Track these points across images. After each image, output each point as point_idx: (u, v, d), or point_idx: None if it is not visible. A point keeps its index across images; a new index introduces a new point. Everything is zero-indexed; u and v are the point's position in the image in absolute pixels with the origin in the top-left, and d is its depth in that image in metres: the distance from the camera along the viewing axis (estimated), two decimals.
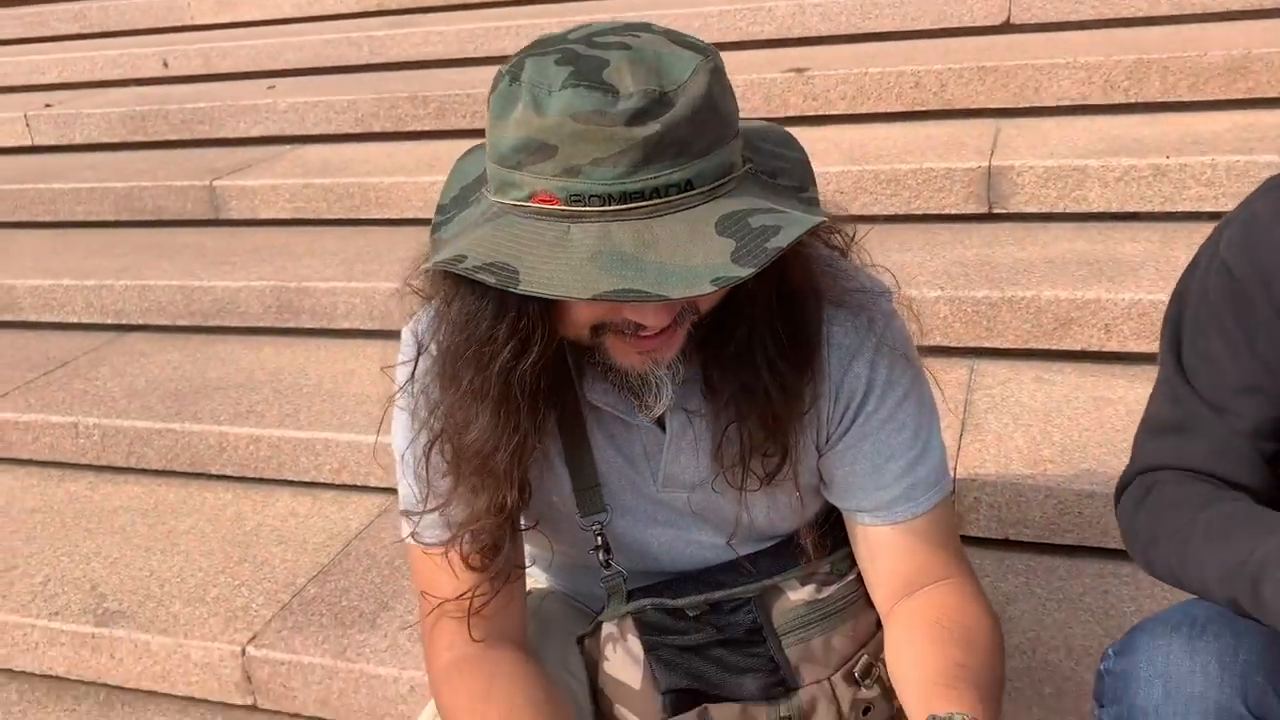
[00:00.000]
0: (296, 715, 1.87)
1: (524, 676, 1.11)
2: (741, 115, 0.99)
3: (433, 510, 1.11)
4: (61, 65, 4.69)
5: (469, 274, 0.89)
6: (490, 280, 0.88)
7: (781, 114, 3.15)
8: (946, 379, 2.21)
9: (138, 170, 3.67)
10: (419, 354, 1.10)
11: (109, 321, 3.05)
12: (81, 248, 3.38)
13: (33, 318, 3.13)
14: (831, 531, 1.23)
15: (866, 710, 1.22)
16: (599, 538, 1.18)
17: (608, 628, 1.20)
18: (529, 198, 0.90)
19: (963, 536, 1.91)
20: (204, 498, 2.38)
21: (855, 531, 1.19)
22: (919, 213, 2.69)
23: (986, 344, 2.27)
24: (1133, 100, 2.90)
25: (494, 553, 1.12)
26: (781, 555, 1.23)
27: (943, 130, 2.94)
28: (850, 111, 3.11)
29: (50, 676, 2.04)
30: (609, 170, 0.87)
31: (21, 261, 3.32)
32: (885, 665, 1.20)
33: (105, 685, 2.00)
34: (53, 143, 4.15)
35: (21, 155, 4.16)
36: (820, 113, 3.14)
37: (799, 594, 1.20)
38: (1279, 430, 1.08)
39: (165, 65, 4.48)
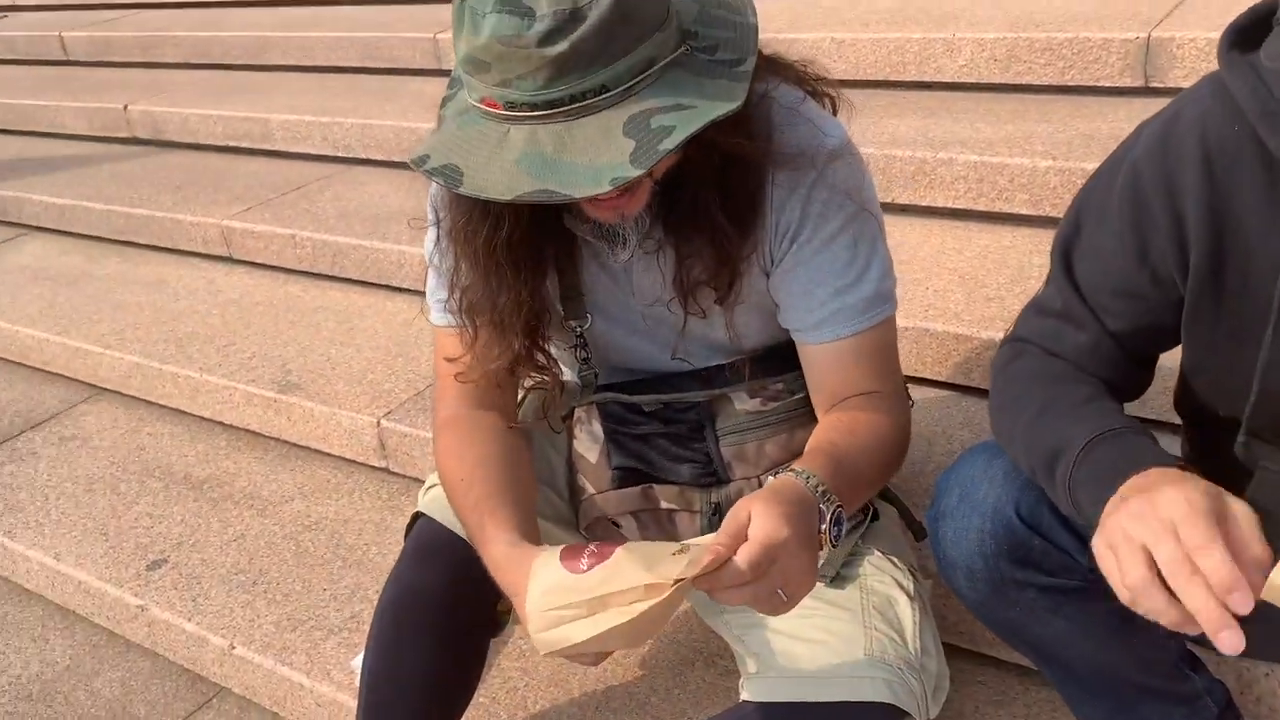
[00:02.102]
0: (418, 480, 2.27)
1: (500, 433, 1.39)
2: None
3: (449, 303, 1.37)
4: None
5: (427, 176, 1.11)
6: (441, 182, 1.09)
7: None
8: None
9: (381, 23, 4.10)
10: (438, 220, 1.35)
11: (339, 154, 3.53)
12: (327, 90, 3.88)
13: (281, 148, 3.66)
14: (790, 354, 1.41)
15: None
16: (578, 337, 1.42)
17: (579, 412, 1.45)
18: (480, 100, 1.10)
19: None
20: (384, 305, 2.80)
21: (798, 349, 1.37)
22: (1073, 84, 2.65)
23: None
24: None
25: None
26: (737, 370, 1.42)
27: None
28: None
29: (248, 430, 2.55)
30: (530, 83, 1.05)
31: (279, 99, 3.86)
32: None
33: (285, 441, 2.49)
34: None
35: (293, 7, 4.72)
36: None
37: (745, 404, 1.40)
38: (1153, 335, 1.11)
39: None
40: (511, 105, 1.07)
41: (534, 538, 1.26)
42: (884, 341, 1.35)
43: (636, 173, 1.03)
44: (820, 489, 1.11)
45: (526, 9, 1.04)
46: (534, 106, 1.06)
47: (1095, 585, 1.17)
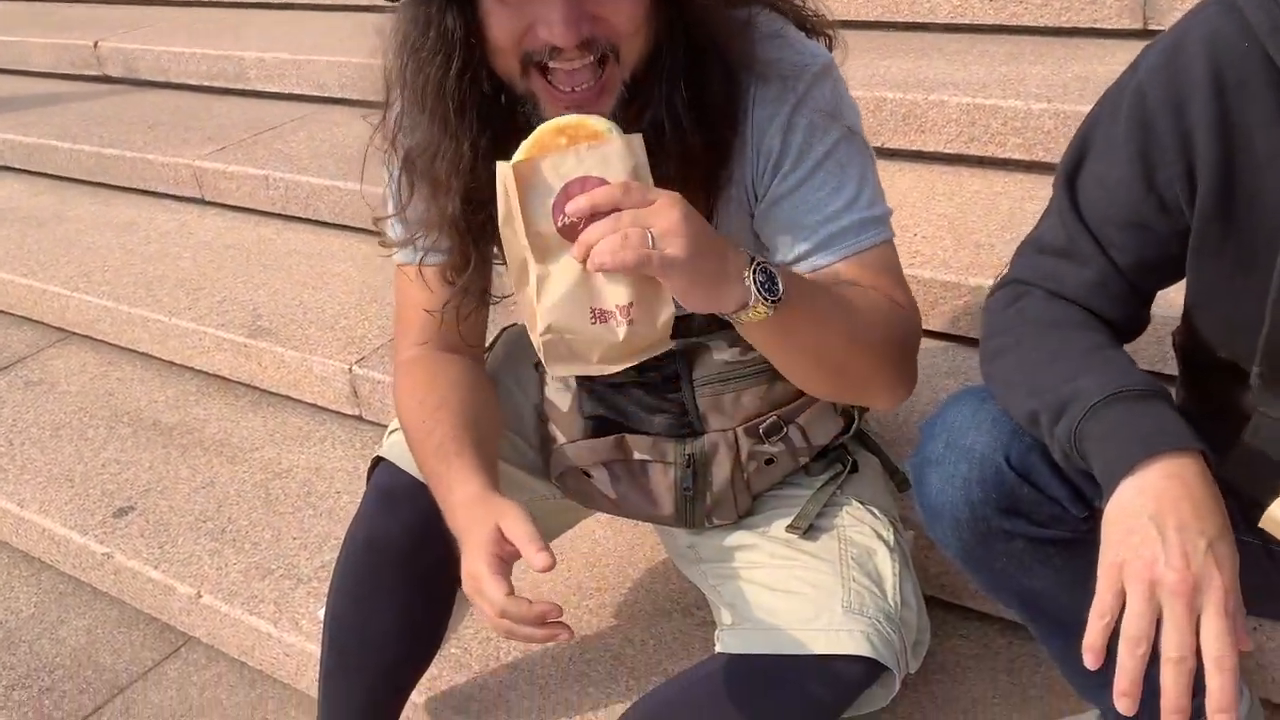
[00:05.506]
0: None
1: (462, 373, 1.33)
2: None
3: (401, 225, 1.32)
4: None
5: None
6: None
7: None
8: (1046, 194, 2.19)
9: None
10: (388, 97, 1.27)
11: (315, 94, 3.43)
12: (306, 28, 3.77)
13: (257, 87, 3.56)
14: None
15: (769, 461, 1.36)
16: None
17: None
18: None
19: None
20: (359, 248, 2.73)
21: None
22: (1068, 26, 2.56)
23: None
24: None
25: (462, 269, 1.32)
26: (716, 318, 1.36)
27: None
28: None
29: (218, 376, 2.49)
30: None
31: (254, 37, 3.74)
32: (802, 429, 1.34)
33: (255, 388, 2.43)
34: None
35: None
36: None
37: (723, 354, 1.33)
38: (1158, 268, 1.08)
39: None
40: None
41: (495, 484, 1.21)
42: (889, 261, 1.24)
43: None
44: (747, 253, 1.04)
45: None
46: None
47: (1087, 536, 1.14)
